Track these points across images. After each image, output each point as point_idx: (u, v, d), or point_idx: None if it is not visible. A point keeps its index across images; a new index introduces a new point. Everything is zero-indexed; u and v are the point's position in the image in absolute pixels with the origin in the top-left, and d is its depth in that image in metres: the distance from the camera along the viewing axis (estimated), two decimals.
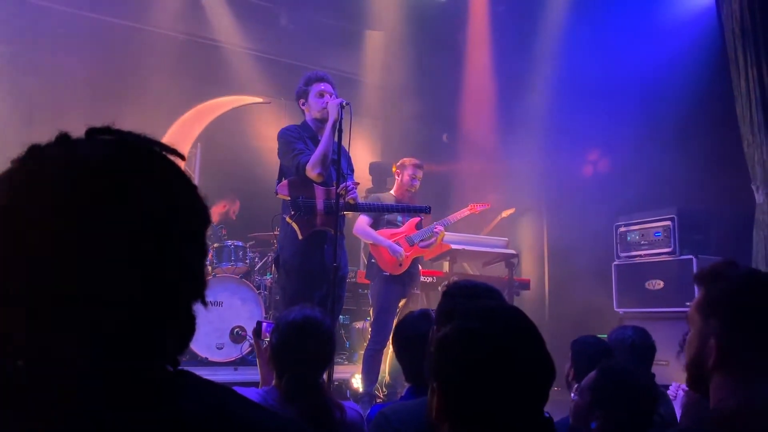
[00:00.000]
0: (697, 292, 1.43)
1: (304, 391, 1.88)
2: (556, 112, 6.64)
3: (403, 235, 4.94)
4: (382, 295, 4.75)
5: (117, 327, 0.69)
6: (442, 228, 5.09)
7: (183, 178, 0.77)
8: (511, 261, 5.70)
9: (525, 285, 5.95)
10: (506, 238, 6.04)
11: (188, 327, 0.76)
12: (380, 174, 6.96)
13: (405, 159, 5.14)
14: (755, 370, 1.30)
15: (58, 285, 0.67)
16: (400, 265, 4.81)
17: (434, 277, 5.66)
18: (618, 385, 1.91)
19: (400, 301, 4.91)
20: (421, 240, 4.95)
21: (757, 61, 4.87)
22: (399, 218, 4.95)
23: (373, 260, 4.82)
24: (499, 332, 1.07)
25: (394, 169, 5.14)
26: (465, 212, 5.99)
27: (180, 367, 0.74)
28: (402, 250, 4.80)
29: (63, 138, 0.74)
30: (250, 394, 1.95)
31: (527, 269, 6.86)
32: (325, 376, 2.95)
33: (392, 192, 5.06)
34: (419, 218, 4.93)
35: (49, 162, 0.71)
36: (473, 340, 1.07)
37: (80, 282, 0.67)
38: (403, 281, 4.86)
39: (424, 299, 5.64)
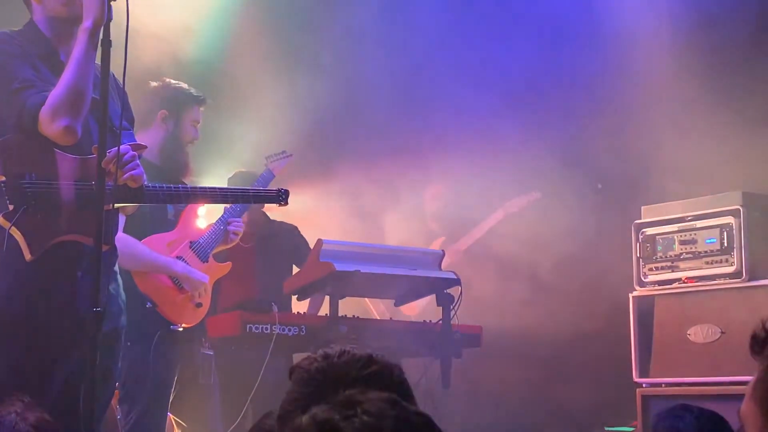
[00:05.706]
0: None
1: None
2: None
3: (186, 242, 5.09)
4: (163, 369, 4.95)
5: None
6: (240, 227, 5.39)
7: None
8: (447, 294, 5.76)
9: (474, 339, 6.12)
10: (441, 251, 6.08)
11: None
12: None
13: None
14: None
15: None
16: (200, 305, 4.98)
17: (303, 327, 5.70)
18: None
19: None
20: (214, 249, 5.32)
21: None
22: (170, 208, 5.18)
23: (149, 305, 4.92)
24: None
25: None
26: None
27: None
28: (206, 277, 4.99)
29: None
30: None
31: (479, 307, 6.89)
32: None
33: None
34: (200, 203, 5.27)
35: None
36: None
37: None
38: (190, 336, 5.14)
39: (283, 364, 5.71)
